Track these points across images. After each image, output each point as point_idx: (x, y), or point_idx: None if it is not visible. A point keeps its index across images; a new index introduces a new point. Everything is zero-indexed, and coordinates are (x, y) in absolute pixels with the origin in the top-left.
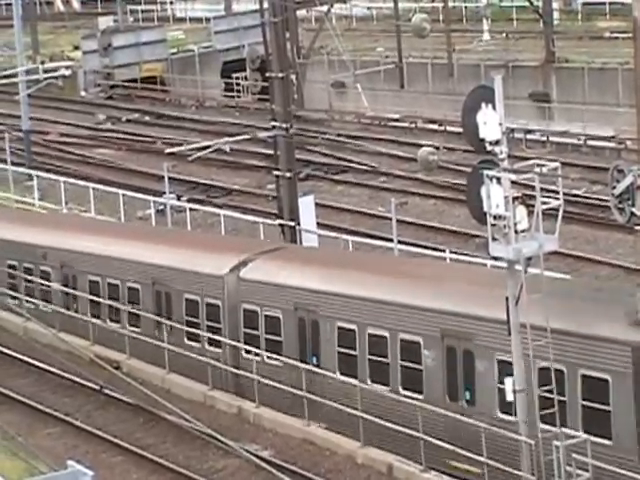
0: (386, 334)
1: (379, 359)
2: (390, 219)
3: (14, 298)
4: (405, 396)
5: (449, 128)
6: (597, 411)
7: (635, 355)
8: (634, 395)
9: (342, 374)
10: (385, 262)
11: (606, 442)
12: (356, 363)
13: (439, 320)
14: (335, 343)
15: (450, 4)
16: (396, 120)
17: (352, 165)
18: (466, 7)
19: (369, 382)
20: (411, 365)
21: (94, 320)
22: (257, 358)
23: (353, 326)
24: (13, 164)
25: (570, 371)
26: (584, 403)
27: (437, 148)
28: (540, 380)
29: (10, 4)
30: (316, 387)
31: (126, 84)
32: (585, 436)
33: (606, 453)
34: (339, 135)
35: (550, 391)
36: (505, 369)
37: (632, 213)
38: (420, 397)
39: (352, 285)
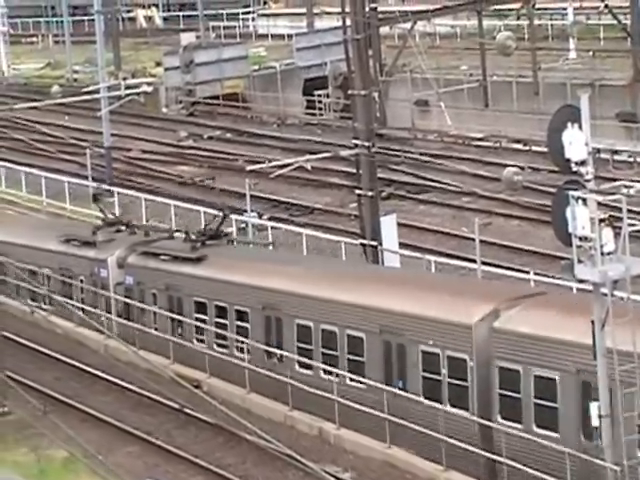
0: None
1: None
2: (473, 239)
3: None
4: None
5: (534, 148)
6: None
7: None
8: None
9: None
10: None
11: None
12: None
13: None
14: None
15: (536, 22)
16: (480, 139)
17: (435, 184)
18: (552, 25)
19: None
20: None
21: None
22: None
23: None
24: (94, 180)
25: None
26: None
27: (522, 168)
28: None
29: (93, 20)
30: None
31: (208, 101)
32: None
33: None
34: (422, 154)
35: None
36: None
37: None
38: None
39: None
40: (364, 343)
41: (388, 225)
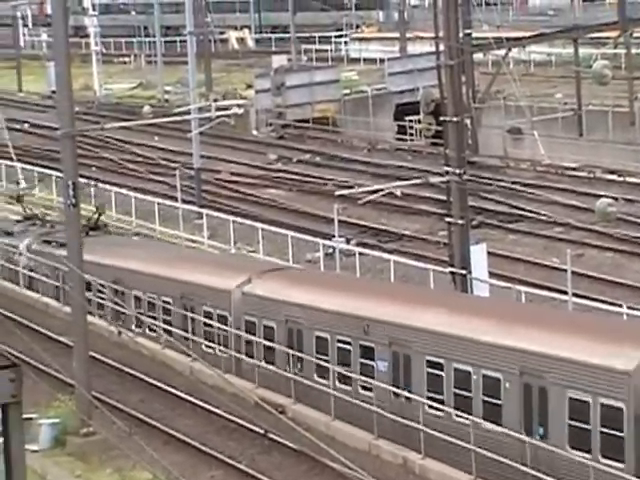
0: None
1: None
2: (565, 271)
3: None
4: None
5: (629, 179)
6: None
7: None
8: None
9: None
10: None
11: None
12: None
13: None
14: None
15: (633, 50)
16: (573, 169)
17: (526, 214)
18: None
19: None
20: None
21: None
22: None
23: None
24: (184, 202)
25: None
26: None
27: (616, 199)
28: None
29: (185, 41)
30: None
31: (298, 124)
32: None
33: None
34: (514, 183)
35: None
36: None
37: None
38: None
39: None
40: (166, 304)
41: (478, 254)
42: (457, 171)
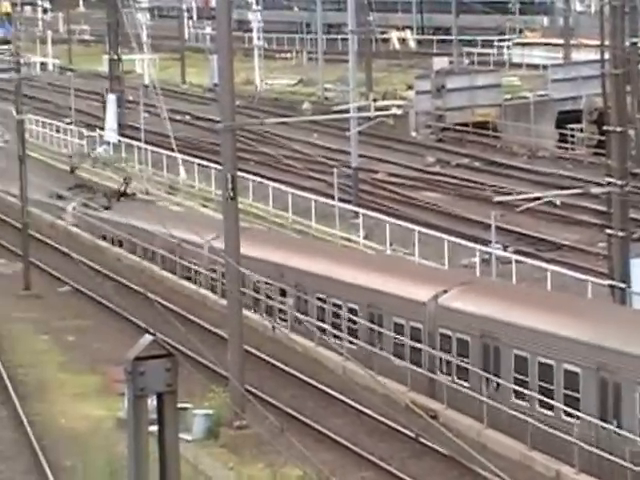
0: None
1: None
2: None
3: (335, 337)
4: None
5: None
6: None
7: None
8: None
9: None
10: None
11: None
12: None
13: None
14: None
15: None
16: None
17: None
18: None
19: None
20: None
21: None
22: None
23: None
24: (340, 200)
25: None
26: None
27: None
28: None
29: (346, 39)
30: None
31: (457, 127)
32: None
33: None
34: None
35: None
36: None
37: None
38: None
39: None
40: None
41: (639, 268)
42: (619, 182)
